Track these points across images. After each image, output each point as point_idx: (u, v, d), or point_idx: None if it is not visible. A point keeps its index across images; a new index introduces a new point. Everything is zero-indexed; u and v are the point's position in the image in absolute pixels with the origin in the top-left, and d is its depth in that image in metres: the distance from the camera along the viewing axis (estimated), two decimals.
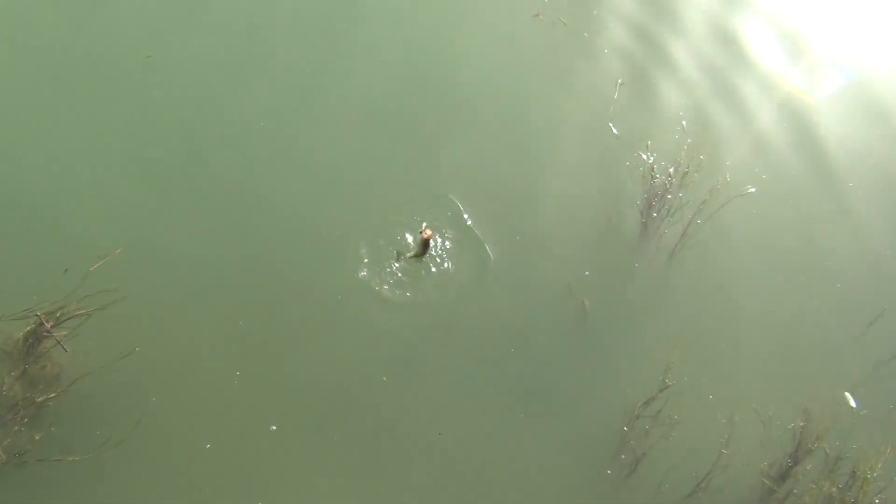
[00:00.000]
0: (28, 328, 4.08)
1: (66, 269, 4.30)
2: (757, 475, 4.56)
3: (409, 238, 5.08)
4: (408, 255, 4.97)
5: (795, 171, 5.89)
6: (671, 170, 5.33)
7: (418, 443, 4.53)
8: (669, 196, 5.34)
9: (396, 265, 4.98)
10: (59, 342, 4.14)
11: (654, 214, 5.41)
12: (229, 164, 5.19)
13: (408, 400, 4.66)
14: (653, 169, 5.37)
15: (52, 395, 4.05)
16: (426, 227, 4.86)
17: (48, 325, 4.12)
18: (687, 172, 5.35)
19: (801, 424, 4.60)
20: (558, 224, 5.50)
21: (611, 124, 5.93)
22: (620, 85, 6.10)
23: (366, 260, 5.03)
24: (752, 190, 5.59)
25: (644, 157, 5.44)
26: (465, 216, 5.27)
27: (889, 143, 6.24)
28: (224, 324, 4.68)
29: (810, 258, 5.46)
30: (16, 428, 3.91)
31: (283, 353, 4.65)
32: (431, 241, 4.87)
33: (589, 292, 5.22)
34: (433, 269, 5.09)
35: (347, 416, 4.55)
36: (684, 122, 5.91)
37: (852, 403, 4.82)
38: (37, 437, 3.93)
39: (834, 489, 4.36)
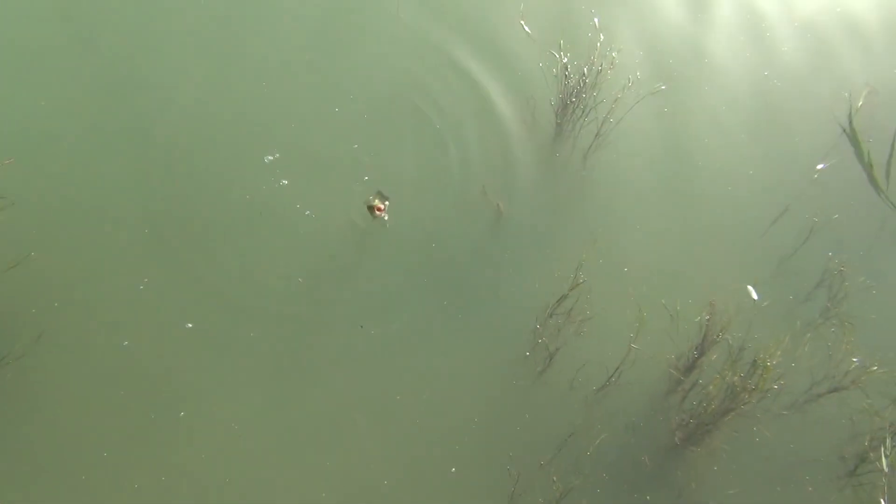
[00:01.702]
0: None
1: None
2: (665, 368, 4.63)
3: None
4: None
5: (708, 64, 5.82)
6: (585, 69, 5.18)
7: (338, 340, 4.52)
8: (584, 95, 5.21)
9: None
10: None
11: (569, 115, 5.28)
12: (128, 53, 4.77)
13: (325, 299, 4.61)
14: (566, 68, 5.21)
15: None
16: (375, 198, 4.77)
17: None
18: (601, 71, 5.23)
19: (707, 318, 4.67)
20: (473, 127, 5.32)
21: (522, 23, 5.72)
22: None
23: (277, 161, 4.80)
24: (663, 87, 5.54)
25: (557, 56, 5.26)
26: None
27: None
28: (127, 229, 4.55)
29: (718, 155, 5.48)
30: None
31: (194, 257, 4.55)
32: (378, 212, 4.73)
33: (504, 194, 5.07)
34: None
35: (265, 314, 4.50)
36: (597, 20, 5.76)
37: (754, 296, 4.94)
38: None
39: (736, 378, 4.47)
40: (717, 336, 4.65)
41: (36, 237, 4.42)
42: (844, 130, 5.67)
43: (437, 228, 4.98)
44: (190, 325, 4.40)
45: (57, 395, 4.06)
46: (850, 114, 5.72)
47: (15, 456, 3.91)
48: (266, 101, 5.21)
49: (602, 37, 5.48)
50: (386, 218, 4.74)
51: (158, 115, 4.98)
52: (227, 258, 4.68)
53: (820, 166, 5.52)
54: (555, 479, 4.19)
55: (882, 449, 4.44)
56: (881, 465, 4.42)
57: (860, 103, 5.75)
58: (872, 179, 5.48)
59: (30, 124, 4.79)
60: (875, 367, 4.66)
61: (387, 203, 4.81)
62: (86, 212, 4.60)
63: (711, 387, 4.47)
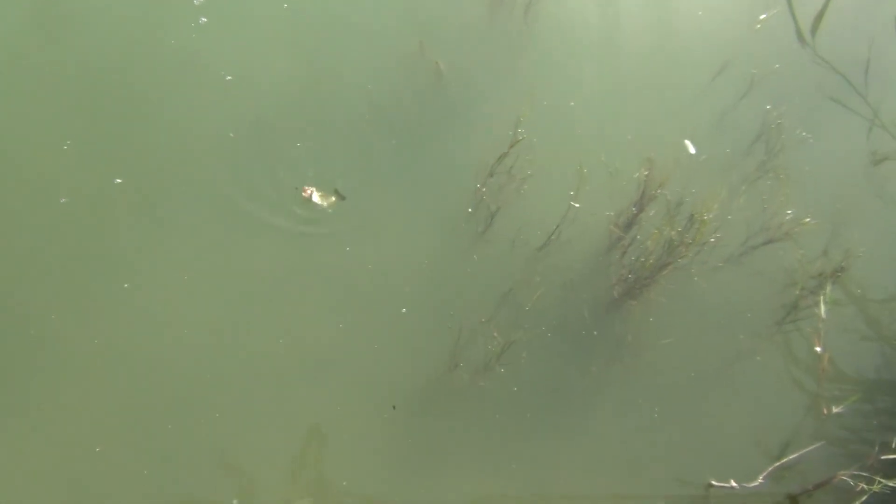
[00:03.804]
0: None
1: None
2: (604, 224, 4.60)
3: None
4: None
5: None
6: None
7: (273, 199, 4.35)
8: None
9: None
10: None
11: None
12: None
13: (257, 156, 4.41)
14: None
15: None
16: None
17: None
18: None
19: (645, 173, 4.61)
20: None
21: None
22: None
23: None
24: None
25: None
26: None
27: None
28: (48, 88, 4.26)
29: (658, 12, 5.28)
30: None
31: (119, 117, 4.31)
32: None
33: (442, 52, 4.79)
34: None
35: (194, 171, 4.30)
36: None
37: (691, 150, 4.90)
38: None
39: (674, 232, 4.47)
40: (656, 192, 4.63)
41: None
42: None
43: (375, 88, 4.74)
44: (119, 181, 4.11)
45: None
46: None
47: None
48: None
49: None
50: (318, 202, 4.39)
51: None
52: (156, 117, 4.39)
53: (762, 16, 5.37)
54: (495, 334, 4.16)
55: (822, 296, 4.56)
56: (818, 312, 4.56)
57: None
58: (798, 32, 5.38)
59: None
60: (808, 219, 4.73)
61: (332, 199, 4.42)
62: None
63: (649, 242, 4.47)
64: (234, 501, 3.63)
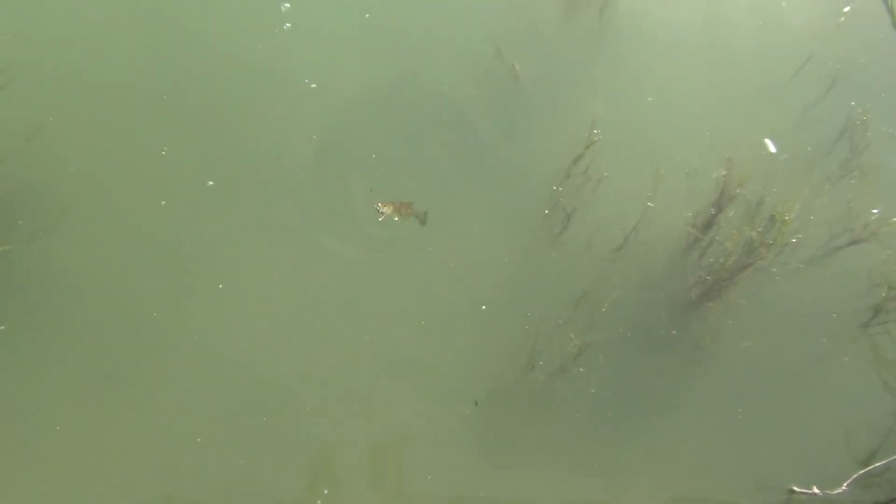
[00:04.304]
0: None
1: None
2: (682, 225, 4.57)
3: None
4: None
5: None
6: None
7: (351, 201, 4.45)
8: None
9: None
10: None
11: None
12: None
13: (339, 160, 4.55)
14: None
15: None
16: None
17: None
18: None
19: (724, 173, 4.57)
20: None
21: None
22: None
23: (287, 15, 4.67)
24: None
25: None
26: None
27: None
28: (146, 97, 4.48)
29: (740, 8, 5.19)
30: None
31: (211, 123, 4.50)
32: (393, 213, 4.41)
33: (519, 55, 4.86)
34: None
35: (281, 173, 4.48)
36: None
37: (772, 149, 4.82)
38: None
39: (754, 233, 4.42)
40: (735, 191, 4.58)
41: (51, 109, 4.31)
42: None
43: (454, 92, 4.84)
44: (211, 184, 4.35)
45: (86, 268, 4.06)
46: None
47: (57, 326, 3.92)
48: None
49: None
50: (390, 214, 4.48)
51: None
52: (244, 123, 4.58)
53: (846, 9, 5.22)
54: (572, 335, 4.19)
55: None
56: None
57: None
58: (893, 22, 5.19)
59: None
60: (895, 219, 4.57)
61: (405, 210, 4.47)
62: (99, 83, 4.49)
63: (729, 243, 4.42)
64: (325, 491, 3.79)
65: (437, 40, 4.94)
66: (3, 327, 3.72)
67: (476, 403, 4.04)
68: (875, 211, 4.64)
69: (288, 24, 4.74)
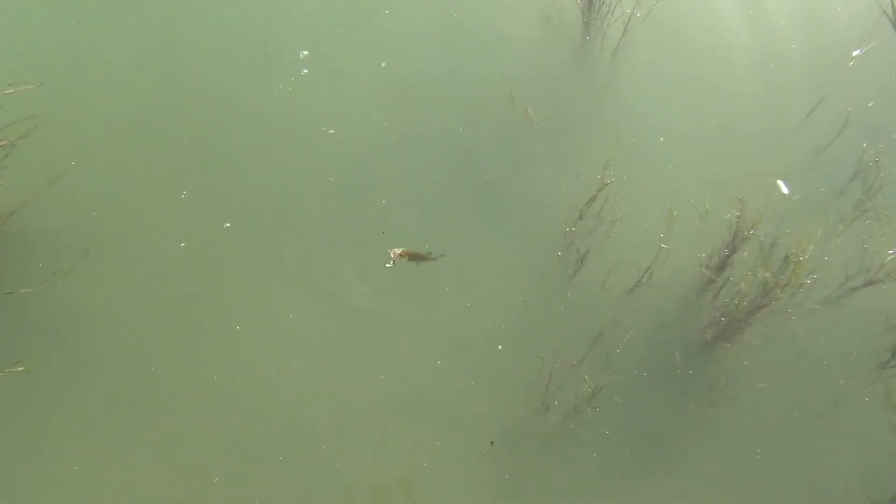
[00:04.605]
0: None
1: None
2: (696, 266, 4.60)
3: None
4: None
5: None
6: None
7: (366, 243, 4.52)
8: None
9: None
10: None
11: (595, 12, 5.08)
12: None
13: (355, 203, 4.63)
14: None
15: None
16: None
17: None
18: None
19: (737, 214, 4.60)
20: (497, 27, 5.21)
21: None
22: None
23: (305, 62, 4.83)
24: None
25: None
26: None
27: None
28: (166, 142, 4.60)
29: (751, 50, 5.28)
30: None
31: (230, 165, 4.61)
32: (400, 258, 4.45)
33: (532, 98, 4.99)
34: None
35: (298, 217, 4.56)
36: None
37: (785, 190, 4.85)
38: None
39: (768, 274, 4.42)
40: (748, 232, 4.60)
41: (74, 153, 4.45)
42: (885, 12, 5.39)
43: (467, 136, 4.92)
44: (228, 225, 4.45)
45: (106, 309, 4.14)
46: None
47: (75, 367, 4.00)
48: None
49: None
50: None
51: (190, 33, 4.94)
52: (261, 167, 4.69)
53: (856, 52, 5.29)
54: (586, 377, 4.22)
55: None
56: None
57: None
58: None
59: (60, 48, 4.75)
60: None
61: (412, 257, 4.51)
62: (121, 128, 4.62)
63: (743, 284, 4.43)
64: None
65: (451, 86, 5.05)
66: (22, 368, 3.78)
67: (492, 443, 4.06)
68: (891, 251, 4.65)
69: (305, 71, 4.88)
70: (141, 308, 4.15)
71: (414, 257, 4.37)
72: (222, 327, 4.15)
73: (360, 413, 4.07)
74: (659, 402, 4.30)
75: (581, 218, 4.64)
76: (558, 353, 4.31)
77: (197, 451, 3.86)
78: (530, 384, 4.23)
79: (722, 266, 4.61)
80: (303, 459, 3.91)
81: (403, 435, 4.04)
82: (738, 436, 4.28)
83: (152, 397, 3.97)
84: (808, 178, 4.93)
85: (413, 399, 4.16)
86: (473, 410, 4.15)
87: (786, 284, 4.42)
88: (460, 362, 4.27)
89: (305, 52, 4.90)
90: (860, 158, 4.99)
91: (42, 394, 3.87)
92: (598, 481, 4.10)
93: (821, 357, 4.51)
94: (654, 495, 4.10)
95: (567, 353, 4.32)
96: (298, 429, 3.98)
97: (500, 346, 4.32)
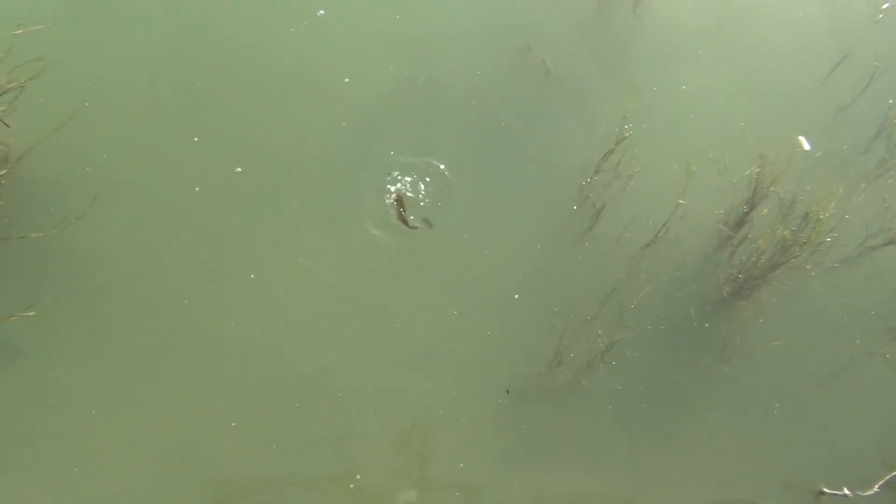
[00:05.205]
0: None
1: None
2: (714, 223, 4.54)
3: None
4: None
5: None
6: None
7: (381, 191, 4.48)
8: None
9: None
10: None
11: None
12: None
13: (370, 152, 4.57)
14: None
15: (2, 172, 3.88)
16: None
17: None
18: None
19: (757, 170, 4.52)
20: None
21: None
22: None
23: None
24: None
25: None
26: None
27: None
28: (179, 87, 4.55)
29: (776, 1, 5.13)
30: None
31: (243, 110, 4.56)
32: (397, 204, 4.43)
33: (550, 48, 4.87)
34: None
35: (312, 162, 4.50)
36: None
37: (806, 146, 4.76)
38: None
39: (787, 232, 4.36)
40: (768, 189, 4.53)
41: (85, 97, 4.43)
42: None
43: (484, 87, 4.85)
44: (239, 170, 4.42)
45: (118, 255, 4.14)
46: None
47: (88, 313, 4.02)
48: None
49: None
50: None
51: None
52: (276, 112, 4.63)
53: (886, 5, 5.13)
54: (600, 332, 4.19)
55: None
56: None
57: None
58: None
59: None
60: None
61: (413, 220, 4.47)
62: (133, 72, 4.58)
63: (761, 241, 4.38)
64: (357, 476, 3.85)
65: (467, 35, 4.97)
66: (33, 313, 3.79)
67: (508, 392, 4.06)
68: None
69: (321, 11, 4.77)
70: (153, 254, 4.15)
71: (400, 213, 4.35)
72: (236, 274, 4.14)
73: (376, 361, 4.08)
74: (673, 357, 4.28)
75: (598, 172, 4.58)
76: (572, 308, 4.28)
77: (214, 398, 3.89)
78: (545, 336, 4.19)
79: (740, 223, 4.56)
80: (319, 406, 3.93)
81: (419, 382, 4.06)
82: (751, 394, 4.28)
83: (166, 344, 3.99)
84: (831, 135, 4.83)
85: (428, 347, 4.16)
86: (488, 360, 4.14)
87: (805, 242, 4.37)
88: (476, 312, 4.25)
89: (322, 12, 4.80)
90: (886, 115, 4.88)
91: (55, 339, 3.88)
92: (608, 436, 4.09)
93: (838, 316, 4.47)
94: (664, 452, 4.11)
95: (581, 308, 4.28)
96: (314, 376, 3.99)
97: (516, 295, 4.27)
